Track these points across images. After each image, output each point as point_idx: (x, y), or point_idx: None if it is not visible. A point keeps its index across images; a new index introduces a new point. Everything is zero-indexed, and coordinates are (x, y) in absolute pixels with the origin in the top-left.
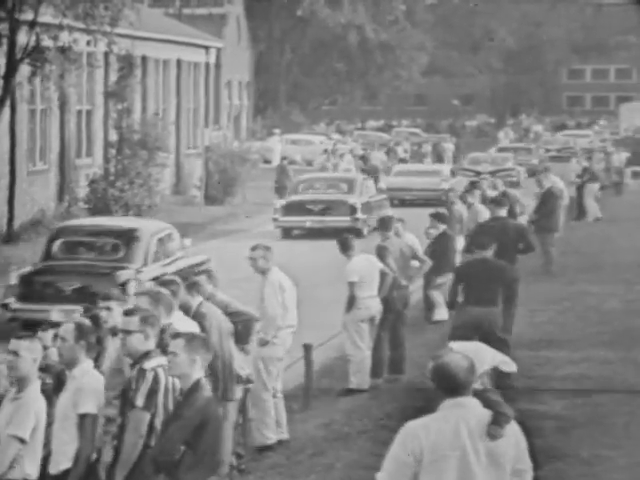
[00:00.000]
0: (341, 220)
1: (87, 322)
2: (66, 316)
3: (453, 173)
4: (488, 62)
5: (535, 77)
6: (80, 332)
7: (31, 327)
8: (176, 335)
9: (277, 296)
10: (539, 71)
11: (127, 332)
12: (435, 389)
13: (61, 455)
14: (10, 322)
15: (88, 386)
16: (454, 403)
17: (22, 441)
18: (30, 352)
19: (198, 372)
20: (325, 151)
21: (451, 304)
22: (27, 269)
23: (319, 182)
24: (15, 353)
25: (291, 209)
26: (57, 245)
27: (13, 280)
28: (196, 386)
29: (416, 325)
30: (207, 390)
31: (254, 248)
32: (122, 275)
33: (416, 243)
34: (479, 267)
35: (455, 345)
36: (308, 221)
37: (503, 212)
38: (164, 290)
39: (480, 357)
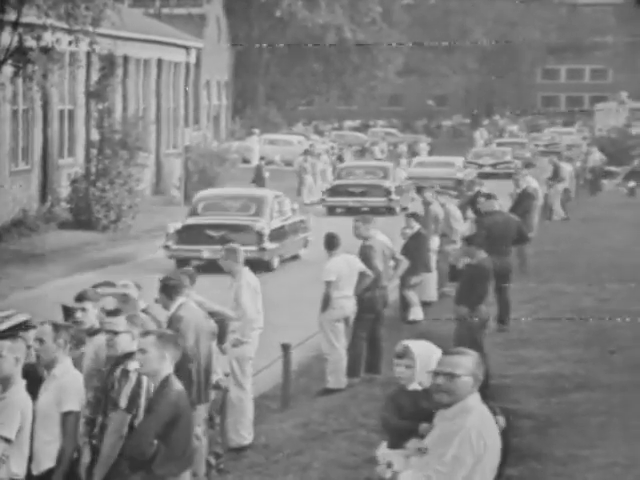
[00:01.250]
0: (378, 201)
1: (64, 322)
2: (214, 254)
3: (465, 165)
4: (463, 62)
5: (510, 77)
6: (57, 332)
7: (184, 262)
8: (146, 333)
9: (252, 298)
10: (514, 71)
11: (115, 333)
12: (464, 384)
13: (43, 455)
14: (169, 259)
15: (70, 384)
16: (480, 397)
17: (7, 441)
18: (12, 352)
19: (168, 368)
20: (306, 152)
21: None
22: (179, 223)
23: (359, 169)
24: None
25: (336, 191)
26: (201, 206)
27: (171, 230)
28: (166, 382)
29: (391, 325)
30: (178, 385)
31: (224, 249)
32: (257, 225)
33: (389, 243)
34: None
35: (412, 343)
36: (350, 201)
37: (497, 205)
38: (130, 292)
39: (434, 357)
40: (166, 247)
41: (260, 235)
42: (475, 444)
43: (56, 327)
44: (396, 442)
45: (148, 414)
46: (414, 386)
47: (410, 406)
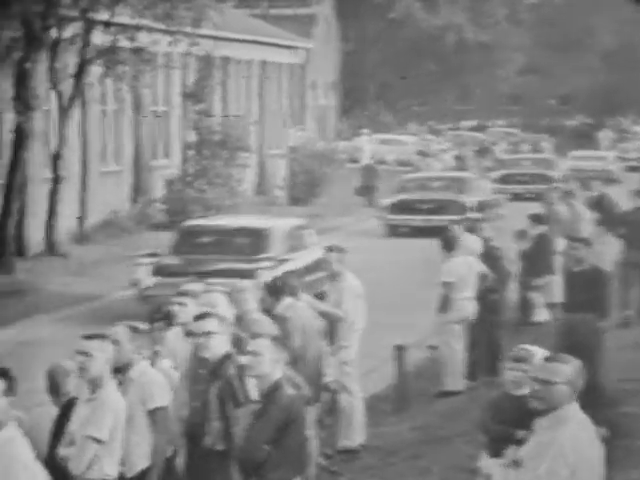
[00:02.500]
0: (542, 188)
1: (140, 325)
2: (424, 223)
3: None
4: (587, 61)
5: (635, 77)
6: (134, 334)
7: (396, 229)
8: (256, 335)
9: (355, 301)
10: (638, 71)
11: (208, 334)
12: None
13: (136, 456)
14: (385, 226)
15: (153, 382)
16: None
17: (99, 441)
18: (101, 352)
19: (279, 372)
20: (423, 152)
21: None
22: (390, 199)
23: (525, 161)
24: (86, 354)
25: (504, 180)
26: (409, 185)
27: (385, 204)
28: (277, 385)
29: (509, 326)
30: (289, 389)
31: (329, 250)
32: (461, 199)
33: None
34: None
35: (533, 348)
36: (518, 189)
37: None
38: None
39: None
40: (381, 217)
41: (464, 207)
42: (570, 457)
43: (134, 329)
44: (495, 448)
45: (259, 418)
46: (522, 391)
47: (512, 411)
